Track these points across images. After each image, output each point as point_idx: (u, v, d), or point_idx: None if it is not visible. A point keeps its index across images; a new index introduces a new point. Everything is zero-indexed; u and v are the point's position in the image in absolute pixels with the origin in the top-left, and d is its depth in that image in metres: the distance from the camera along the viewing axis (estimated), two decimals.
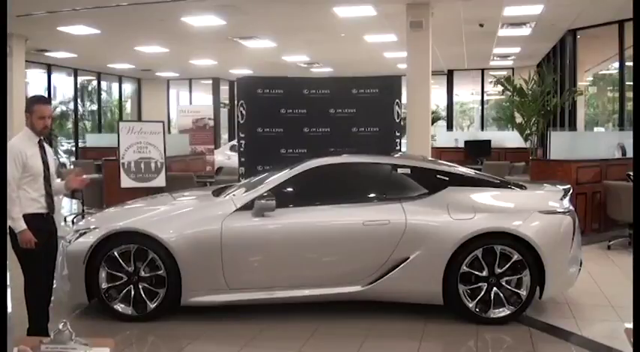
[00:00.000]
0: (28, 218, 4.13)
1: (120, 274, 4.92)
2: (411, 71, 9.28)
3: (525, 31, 12.08)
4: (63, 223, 10.68)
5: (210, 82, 21.03)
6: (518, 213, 4.96)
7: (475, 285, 4.84)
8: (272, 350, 4.44)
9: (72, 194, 10.66)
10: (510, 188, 5.38)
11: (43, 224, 4.26)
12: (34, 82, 16.22)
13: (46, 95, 16.05)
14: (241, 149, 7.84)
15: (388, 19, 10.49)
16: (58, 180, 4.59)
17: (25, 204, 4.16)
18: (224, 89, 21.65)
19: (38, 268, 4.30)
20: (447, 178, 5.26)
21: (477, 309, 4.84)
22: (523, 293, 4.82)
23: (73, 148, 17.47)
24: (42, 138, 4.35)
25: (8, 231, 4.18)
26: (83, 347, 2.60)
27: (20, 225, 4.10)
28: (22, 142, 4.26)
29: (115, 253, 4.91)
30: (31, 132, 4.31)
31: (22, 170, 4.14)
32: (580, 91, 12.81)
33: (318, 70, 18.03)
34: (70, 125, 17.54)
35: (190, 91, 21.80)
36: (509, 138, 14.32)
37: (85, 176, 4.62)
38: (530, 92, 12.47)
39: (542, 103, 12.32)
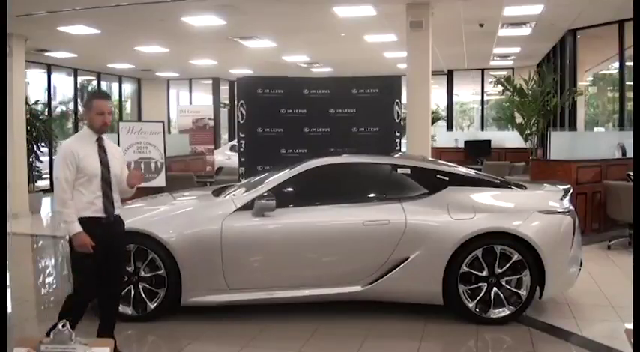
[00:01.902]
0: (83, 221, 3.90)
1: None
2: (411, 71, 9.27)
3: (525, 31, 12.07)
4: (63, 223, 10.70)
5: (210, 82, 21.01)
6: (518, 213, 4.97)
7: (475, 285, 4.84)
8: (272, 350, 4.44)
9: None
10: (510, 188, 5.38)
11: (98, 228, 3.94)
12: (34, 82, 16.20)
13: (47, 95, 16.06)
14: (241, 149, 7.84)
15: (388, 19, 10.48)
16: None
17: (80, 206, 3.91)
18: (224, 89, 21.63)
19: (89, 278, 3.99)
20: (447, 178, 5.26)
21: (477, 309, 4.84)
22: (523, 293, 4.82)
23: None
24: (101, 136, 4.08)
25: (67, 238, 4.04)
26: (83, 347, 2.59)
27: (74, 228, 3.86)
28: (75, 142, 4.03)
29: None
30: (89, 131, 4.06)
31: (76, 171, 3.90)
32: (580, 91, 12.80)
33: (318, 70, 18.02)
34: (70, 125, 17.52)
35: (190, 91, 21.78)
36: (509, 138, 14.33)
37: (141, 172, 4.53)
38: (530, 92, 12.47)
39: (542, 103, 12.32)
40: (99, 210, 3.98)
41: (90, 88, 19.28)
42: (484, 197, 5.12)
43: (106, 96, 4.33)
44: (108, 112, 4.08)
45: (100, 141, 4.07)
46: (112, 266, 4.09)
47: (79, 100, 17.61)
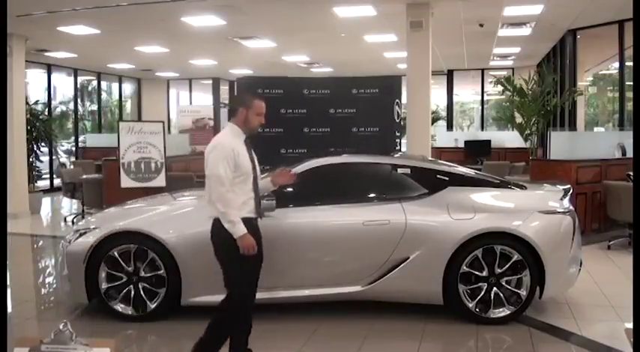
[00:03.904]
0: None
1: (120, 274, 4.93)
2: (411, 71, 9.27)
3: (525, 31, 12.07)
4: (63, 223, 10.71)
5: (210, 82, 21.02)
6: (518, 213, 4.97)
7: (475, 285, 4.84)
8: (272, 350, 4.43)
9: (72, 194, 10.67)
10: (510, 188, 5.38)
11: (250, 229, 3.79)
12: (34, 81, 16.21)
13: (47, 95, 16.06)
14: None
15: (388, 19, 10.48)
16: (263, 180, 4.26)
17: (234, 207, 3.78)
18: (224, 89, 21.64)
19: (250, 281, 3.91)
20: (447, 178, 5.26)
21: (477, 309, 4.84)
22: (523, 293, 4.82)
23: (73, 148, 17.48)
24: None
25: (215, 238, 3.86)
26: (83, 348, 2.60)
27: (240, 229, 3.71)
28: (232, 140, 3.88)
29: (115, 253, 4.91)
30: (239, 130, 3.94)
31: (234, 170, 3.78)
32: (580, 91, 12.80)
33: (318, 70, 18.02)
34: (70, 125, 17.52)
35: (190, 91, 21.78)
36: (509, 138, 14.32)
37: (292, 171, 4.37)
38: (530, 92, 12.46)
39: (542, 103, 12.31)
40: (252, 211, 3.90)
41: (89, 88, 19.30)
42: (484, 197, 5.12)
43: (262, 97, 4.20)
44: (264, 114, 4.02)
45: (246, 140, 3.97)
46: (256, 268, 3.99)
47: (79, 100, 17.61)
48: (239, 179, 3.81)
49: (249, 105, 3.96)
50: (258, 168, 4.01)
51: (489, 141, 14.34)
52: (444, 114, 19.84)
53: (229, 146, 3.81)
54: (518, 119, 13.12)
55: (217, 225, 3.83)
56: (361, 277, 4.90)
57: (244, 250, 3.73)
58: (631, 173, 8.11)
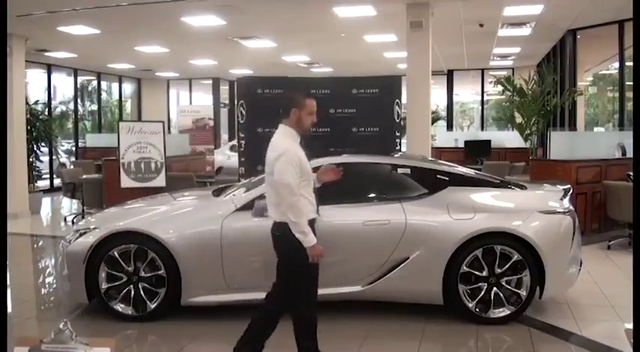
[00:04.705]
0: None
1: (120, 274, 4.93)
2: (411, 71, 9.26)
3: (525, 31, 12.07)
4: (63, 223, 10.71)
5: (210, 82, 21.02)
6: (518, 213, 4.97)
7: (475, 285, 4.84)
8: (272, 350, 4.43)
9: (72, 194, 10.67)
10: (510, 188, 5.38)
11: (313, 229, 3.79)
12: (34, 81, 16.20)
13: (47, 95, 16.06)
14: (241, 149, 7.83)
15: (388, 19, 10.48)
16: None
17: (305, 214, 3.75)
18: (224, 89, 21.64)
19: (314, 285, 3.91)
20: (447, 178, 5.26)
21: (477, 309, 4.84)
22: (523, 293, 4.82)
23: (73, 148, 17.48)
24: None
25: (280, 244, 3.84)
26: (84, 347, 2.60)
27: (311, 239, 3.68)
28: (294, 144, 3.84)
29: (115, 253, 4.91)
30: (294, 132, 3.90)
31: (300, 174, 3.73)
32: (580, 91, 12.80)
33: (318, 70, 18.02)
34: (70, 125, 17.52)
35: (190, 91, 21.78)
36: (509, 138, 14.32)
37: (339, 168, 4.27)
38: (530, 92, 12.46)
39: (542, 103, 12.31)
40: (314, 211, 3.90)
41: (89, 88, 19.30)
42: (484, 197, 5.12)
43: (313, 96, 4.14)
44: (316, 113, 3.96)
45: (301, 142, 3.93)
46: (315, 277, 3.95)
47: (79, 100, 17.61)
48: (303, 183, 3.79)
49: (302, 104, 3.90)
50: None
51: (489, 141, 14.34)
52: (444, 114, 19.84)
53: (295, 152, 3.77)
54: (518, 119, 13.11)
55: (283, 230, 3.79)
56: (361, 277, 4.90)
57: (313, 259, 3.72)
58: (631, 173, 8.12)
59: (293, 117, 3.89)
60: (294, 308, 3.89)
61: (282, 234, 3.81)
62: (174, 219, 5.12)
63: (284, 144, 3.82)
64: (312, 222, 3.83)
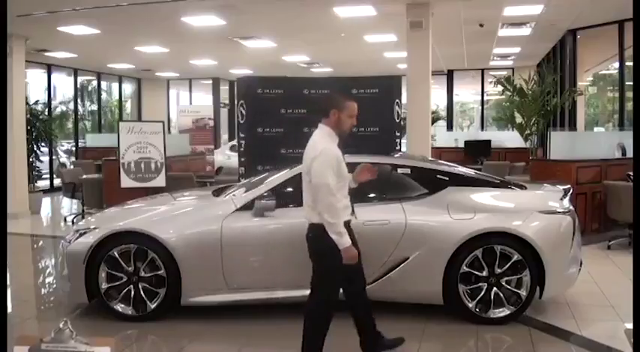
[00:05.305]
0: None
1: (120, 274, 4.93)
2: (411, 71, 9.26)
3: (525, 31, 12.07)
4: (63, 223, 10.71)
5: (210, 82, 21.01)
6: (518, 213, 4.97)
7: (475, 285, 4.84)
8: (272, 350, 4.44)
9: (72, 194, 10.67)
10: (510, 188, 5.38)
11: (349, 230, 3.82)
12: (34, 82, 16.20)
13: (47, 95, 16.06)
14: (241, 149, 7.83)
15: (388, 19, 10.48)
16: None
17: (342, 216, 3.76)
18: (224, 89, 21.63)
19: (338, 287, 3.95)
20: (447, 178, 5.26)
21: (477, 309, 4.84)
22: (523, 293, 4.82)
23: (73, 148, 17.47)
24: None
25: (316, 245, 3.86)
26: (84, 346, 2.60)
27: (346, 241, 3.69)
28: (333, 146, 3.82)
29: (115, 253, 4.91)
30: (332, 132, 3.89)
31: (337, 176, 3.73)
32: (580, 91, 12.80)
33: (318, 70, 18.02)
34: (70, 125, 17.51)
35: (190, 91, 21.78)
36: (509, 138, 14.31)
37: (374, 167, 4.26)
38: (530, 92, 12.46)
39: (542, 103, 12.31)
40: (349, 213, 3.91)
41: (89, 88, 19.30)
42: (484, 197, 5.12)
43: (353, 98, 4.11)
44: (356, 115, 3.95)
45: (339, 143, 3.91)
46: (358, 263, 3.94)
47: (79, 100, 17.61)
48: (340, 184, 3.78)
49: (342, 106, 3.89)
50: None
51: (489, 141, 14.33)
52: (444, 114, 19.84)
53: (334, 153, 3.76)
54: (518, 119, 13.11)
55: (318, 231, 3.79)
56: None
57: (347, 261, 3.74)
58: (631, 173, 8.11)
59: (332, 118, 3.90)
60: (309, 304, 3.94)
61: (315, 235, 3.83)
62: (174, 219, 5.12)
63: (322, 144, 3.81)
64: (347, 224, 3.82)
